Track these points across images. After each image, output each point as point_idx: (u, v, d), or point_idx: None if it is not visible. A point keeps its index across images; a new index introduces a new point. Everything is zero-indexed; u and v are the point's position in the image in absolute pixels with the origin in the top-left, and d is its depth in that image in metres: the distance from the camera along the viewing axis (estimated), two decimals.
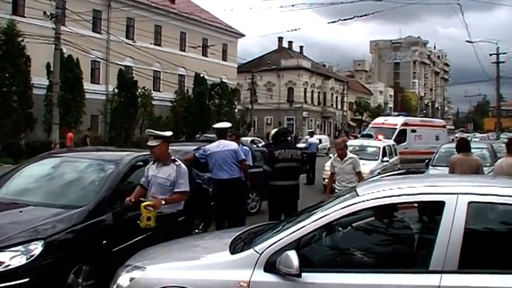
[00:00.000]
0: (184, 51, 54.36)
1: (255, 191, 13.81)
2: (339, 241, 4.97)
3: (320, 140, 36.56)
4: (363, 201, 4.48)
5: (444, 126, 35.50)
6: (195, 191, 9.10)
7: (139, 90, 41.76)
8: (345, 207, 4.49)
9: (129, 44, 44.42)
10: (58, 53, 28.90)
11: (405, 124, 29.75)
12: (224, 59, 61.77)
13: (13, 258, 5.35)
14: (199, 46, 54.67)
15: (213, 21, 59.65)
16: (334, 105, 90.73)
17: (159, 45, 50.75)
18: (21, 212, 6.31)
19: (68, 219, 6.11)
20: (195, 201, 9.15)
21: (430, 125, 33.51)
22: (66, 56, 34.67)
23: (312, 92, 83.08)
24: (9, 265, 5.30)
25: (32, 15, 34.45)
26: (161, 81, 50.42)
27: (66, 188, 7.23)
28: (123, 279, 4.74)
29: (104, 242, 6.35)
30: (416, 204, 5.05)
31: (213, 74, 53.17)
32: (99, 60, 44.01)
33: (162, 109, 44.66)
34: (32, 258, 5.42)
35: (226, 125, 10.41)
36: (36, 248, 5.49)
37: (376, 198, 4.48)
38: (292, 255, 4.10)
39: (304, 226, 4.43)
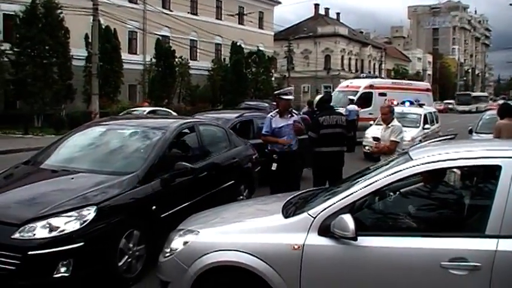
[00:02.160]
0: (220, 19, 54.16)
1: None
2: (391, 205, 4.93)
3: None
4: (418, 165, 4.40)
5: (428, 90, 31.94)
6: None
7: (176, 59, 41.85)
8: (399, 171, 4.42)
9: (166, 14, 44.45)
10: (96, 24, 29.02)
11: (370, 86, 27.42)
12: (260, 27, 61.37)
13: (67, 224, 5.45)
14: (236, 14, 54.35)
15: None
16: (372, 73, 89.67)
17: (196, 14, 50.65)
18: (72, 178, 6.43)
19: (119, 185, 6.20)
20: (240, 167, 9.26)
21: (406, 87, 30.11)
22: (103, 27, 34.87)
23: (349, 59, 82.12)
24: (64, 230, 5.40)
25: None
26: (198, 50, 50.47)
27: (115, 155, 7.31)
28: (177, 242, 4.79)
29: (153, 207, 6.42)
30: (466, 169, 4.97)
31: (249, 43, 52.91)
32: (136, 30, 44.17)
33: (199, 78, 44.67)
34: (85, 223, 5.51)
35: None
36: (89, 213, 5.58)
37: (431, 162, 4.40)
38: (348, 219, 4.08)
39: (358, 190, 4.39)
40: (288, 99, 8.97)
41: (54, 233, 5.38)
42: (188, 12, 49.11)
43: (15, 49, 32.32)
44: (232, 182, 8.66)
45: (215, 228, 4.90)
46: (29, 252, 5.26)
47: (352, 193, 4.38)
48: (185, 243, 4.70)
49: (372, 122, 20.58)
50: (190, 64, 44.03)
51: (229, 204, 6.03)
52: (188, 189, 7.25)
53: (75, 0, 33.03)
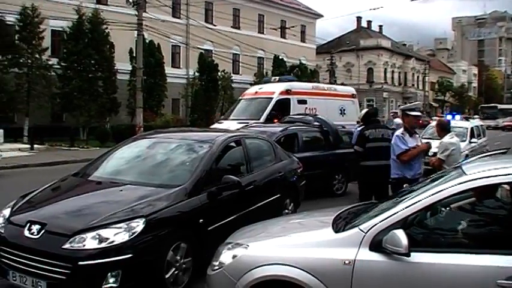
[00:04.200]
0: (262, 33, 54.48)
1: (341, 173, 13.69)
2: (443, 221, 4.82)
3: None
4: (472, 179, 4.29)
5: (353, 96, 26.41)
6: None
7: (219, 73, 42.24)
8: (452, 185, 4.32)
9: (209, 28, 44.92)
10: (141, 39, 29.46)
11: (287, 92, 21.91)
12: (303, 40, 61.48)
13: (117, 235, 5.51)
14: (278, 28, 54.53)
15: (291, 3, 59.45)
16: (415, 86, 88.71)
17: (238, 28, 51.10)
18: (121, 190, 6.52)
19: (167, 197, 6.24)
20: (286, 181, 9.23)
21: (329, 93, 24.70)
22: (148, 41, 35.42)
23: (392, 72, 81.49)
24: (113, 241, 5.46)
25: (115, 3, 35.51)
26: (240, 64, 50.81)
27: (162, 168, 7.38)
28: (226, 256, 4.78)
29: (201, 220, 6.44)
30: None
31: (291, 56, 53.06)
32: (180, 44, 44.76)
33: (241, 92, 44.86)
34: (134, 235, 5.56)
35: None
36: (138, 225, 5.63)
37: (486, 177, 4.28)
38: (401, 234, 4.01)
39: (410, 205, 4.31)
40: (416, 115, 8.38)
41: (103, 244, 5.44)
42: (231, 27, 49.52)
43: (62, 63, 33.20)
44: (278, 195, 8.63)
45: (264, 242, 4.88)
46: (79, 263, 5.32)
47: (404, 208, 4.31)
48: (234, 256, 4.69)
49: None
50: (232, 78, 44.39)
51: (276, 218, 6.02)
52: (234, 203, 7.26)
53: (120, 16, 33.77)
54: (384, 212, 4.47)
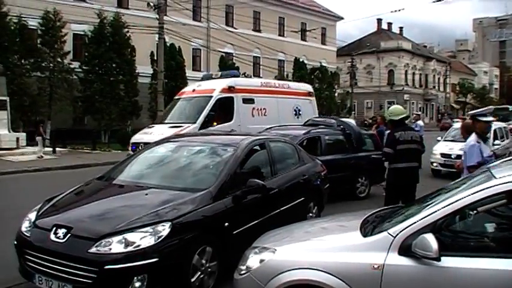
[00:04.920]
0: (283, 36, 54.56)
1: (364, 175, 13.60)
2: (473, 224, 4.73)
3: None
4: (503, 183, 4.21)
5: (310, 94, 23.42)
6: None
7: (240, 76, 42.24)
8: (482, 189, 4.24)
9: (229, 31, 45.01)
10: (162, 42, 29.59)
11: (229, 89, 19.01)
12: (323, 42, 61.46)
13: (143, 239, 5.49)
14: (298, 31, 54.52)
15: (311, 5, 59.46)
16: (436, 87, 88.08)
17: (259, 31, 51.24)
18: (146, 194, 6.50)
19: (192, 201, 6.21)
20: (310, 184, 9.17)
21: (281, 91, 21.42)
22: (168, 44, 35.55)
23: (413, 74, 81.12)
24: (139, 245, 5.44)
25: (136, 7, 35.73)
26: (261, 67, 50.83)
27: (187, 172, 7.38)
28: (253, 260, 4.75)
29: (226, 224, 6.41)
30: None
31: (312, 58, 53.06)
32: (200, 47, 44.91)
33: None
34: (160, 239, 5.53)
35: None
36: (164, 229, 5.61)
37: None
38: (430, 238, 3.96)
39: (440, 209, 4.24)
40: (488, 121, 8.05)
41: (129, 248, 5.42)
42: (251, 29, 49.61)
43: (84, 67, 33.52)
44: (302, 199, 8.58)
45: (292, 246, 4.84)
46: (105, 267, 5.31)
47: (434, 212, 4.24)
48: (261, 261, 4.66)
49: (438, 138, 20.02)
50: None
51: (302, 222, 5.98)
52: (259, 206, 7.22)
53: (141, 19, 33.98)
54: (412, 216, 4.42)
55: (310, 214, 8.98)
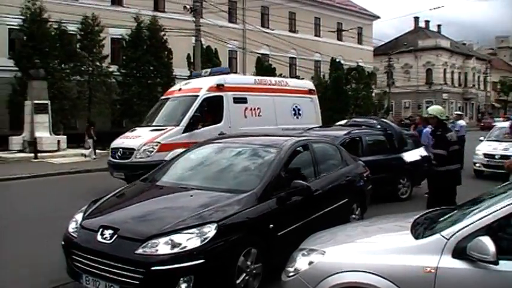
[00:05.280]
0: (319, 36, 54.45)
1: (405, 176, 13.41)
2: None
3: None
4: None
5: (311, 92, 20.83)
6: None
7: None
8: None
9: (265, 32, 45.04)
10: (198, 45, 29.77)
11: (218, 88, 16.99)
12: (359, 42, 61.06)
13: (189, 240, 5.48)
14: (334, 31, 54.27)
15: (347, 5, 59.18)
16: (476, 86, 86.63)
17: (295, 31, 51.16)
18: (191, 196, 6.50)
19: (237, 202, 6.19)
20: (353, 185, 9.08)
21: (278, 89, 19.25)
22: (205, 47, 35.71)
23: (452, 72, 79.95)
24: (185, 246, 5.43)
25: (172, 10, 36.04)
26: (297, 67, 50.71)
27: (230, 173, 7.35)
28: (301, 262, 4.71)
29: (271, 226, 6.36)
30: None
31: (348, 58, 52.83)
32: (236, 49, 45.04)
33: None
34: (206, 240, 5.51)
35: None
36: (210, 230, 5.59)
37: None
38: (487, 241, 3.85)
39: (496, 210, 4.14)
40: None
41: (176, 250, 5.42)
42: (287, 30, 49.59)
43: (122, 70, 33.95)
44: (345, 200, 8.49)
45: (341, 248, 4.78)
46: (152, 268, 5.32)
47: (489, 213, 4.14)
48: (310, 263, 4.62)
49: (481, 138, 19.60)
50: None
51: (351, 224, 5.93)
52: (303, 208, 7.16)
53: (177, 22, 34.27)
54: (466, 217, 4.32)
55: (354, 216, 8.87)
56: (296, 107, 19.21)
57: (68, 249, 6.16)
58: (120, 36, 35.94)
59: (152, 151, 14.78)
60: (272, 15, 48.32)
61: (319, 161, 8.26)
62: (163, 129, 15.55)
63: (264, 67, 41.13)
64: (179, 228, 5.59)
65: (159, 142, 14.93)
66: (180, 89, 18.05)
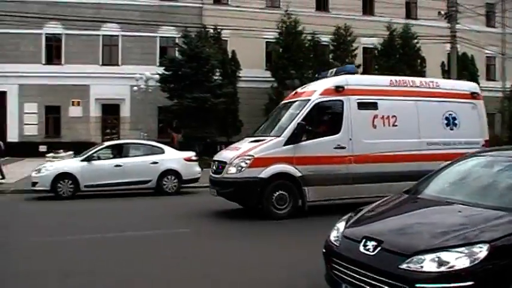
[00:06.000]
0: None
1: None
2: None
3: None
4: None
5: (473, 96, 16.04)
6: None
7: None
8: None
9: None
10: (454, 52, 28.77)
11: (337, 91, 14.02)
12: None
13: (457, 259, 5.15)
14: None
15: None
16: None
17: None
18: (459, 212, 6.12)
19: (510, 222, 5.61)
20: None
21: (424, 92, 15.32)
22: (460, 53, 34.36)
23: None
24: (453, 266, 5.12)
25: (425, 17, 35.29)
26: None
27: (498, 189, 6.73)
28: None
29: None
30: None
31: None
32: (495, 55, 42.50)
33: None
34: (476, 261, 5.12)
35: None
36: (481, 251, 5.17)
37: None
38: None
39: None
40: None
41: (443, 268, 5.13)
42: None
43: None
44: None
45: None
46: (417, 285, 5.11)
47: None
48: None
49: None
50: None
51: None
52: None
53: (430, 29, 33.49)
54: None
55: None
56: (450, 115, 15.39)
57: (328, 257, 6.25)
58: (372, 46, 36.21)
59: (243, 166, 13.17)
60: None
61: None
62: (262, 141, 13.83)
63: None
64: (448, 245, 5.28)
65: (252, 156, 13.24)
66: (295, 93, 15.77)
